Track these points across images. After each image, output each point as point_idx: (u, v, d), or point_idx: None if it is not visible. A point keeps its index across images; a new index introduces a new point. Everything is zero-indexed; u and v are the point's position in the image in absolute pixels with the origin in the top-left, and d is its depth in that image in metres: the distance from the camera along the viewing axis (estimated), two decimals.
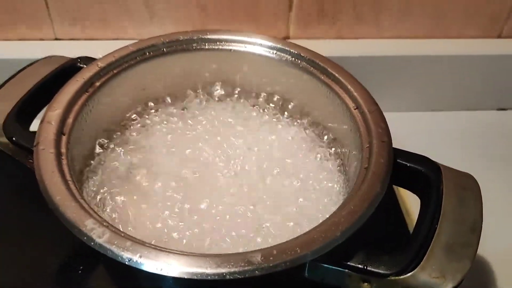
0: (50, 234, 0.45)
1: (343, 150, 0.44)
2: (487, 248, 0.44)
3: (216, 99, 0.49)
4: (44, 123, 0.36)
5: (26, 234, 0.46)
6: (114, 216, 0.38)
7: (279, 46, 0.45)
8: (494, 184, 0.52)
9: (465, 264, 0.32)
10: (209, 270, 0.28)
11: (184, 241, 0.37)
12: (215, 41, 0.46)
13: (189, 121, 0.46)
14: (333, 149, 0.45)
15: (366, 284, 0.32)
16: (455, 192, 0.35)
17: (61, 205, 0.31)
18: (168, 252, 0.29)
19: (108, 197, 0.39)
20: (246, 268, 0.28)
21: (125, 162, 0.42)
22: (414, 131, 0.61)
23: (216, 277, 0.28)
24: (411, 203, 0.51)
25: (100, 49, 0.44)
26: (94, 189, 0.40)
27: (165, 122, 0.47)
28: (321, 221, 0.32)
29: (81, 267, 0.43)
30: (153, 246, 0.29)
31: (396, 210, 0.50)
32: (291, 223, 0.38)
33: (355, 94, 0.41)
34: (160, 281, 0.33)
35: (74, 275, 0.43)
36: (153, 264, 0.28)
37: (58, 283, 0.43)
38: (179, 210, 0.39)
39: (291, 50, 0.45)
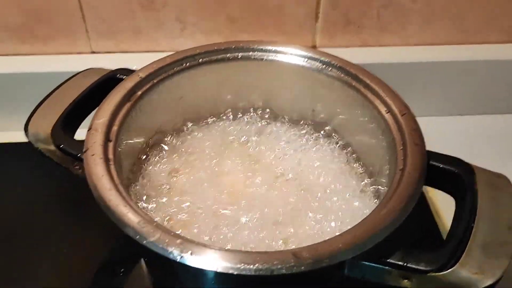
0: (91, 239, 0.47)
1: (374, 157, 0.44)
2: None
3: (247, 111, 0.51)
4: (92, 131, 0.38)
5: (70, 237, 0.48)
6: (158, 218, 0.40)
7: (309, 54, 0.46)
8: None
9: (503, 261, 0.32)
10: (257, 266, 0.29)
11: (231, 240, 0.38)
12: (247, 51, 0.47)
13: (228, 129, 0.49)
14: (363, 159, 0.47)
15: (406, 280, 0.33)
16: (489, 192, 0.36)
17: (113, 207, 0.33)
18: (217, 249, 0.30)
19: (153, 201, 0.41)
20: (292, 263, 0.29)
21: (168, 167, 0.44)
22: (442, 134, 0.60)
23: (264, 272, 0.29)
24: (440, 204, 0.51)
25: (134, 61, 0.46)
26: (141, 191, 0.42)
27: (202, 132, 0.49)
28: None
29: (122, 270, 0.44)
30: (202, 244, 0.31)
31: (426, 211, 0.50)
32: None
33: (386, 98, 0.42)
34: (204, 279, 0.35)
35: (115, 278, 0.44)
36: (203, 260, 0.30)
37: (99, 286, 0.44)
38: (222, 215, 0.40)
39: (322, 58, 0.46)
